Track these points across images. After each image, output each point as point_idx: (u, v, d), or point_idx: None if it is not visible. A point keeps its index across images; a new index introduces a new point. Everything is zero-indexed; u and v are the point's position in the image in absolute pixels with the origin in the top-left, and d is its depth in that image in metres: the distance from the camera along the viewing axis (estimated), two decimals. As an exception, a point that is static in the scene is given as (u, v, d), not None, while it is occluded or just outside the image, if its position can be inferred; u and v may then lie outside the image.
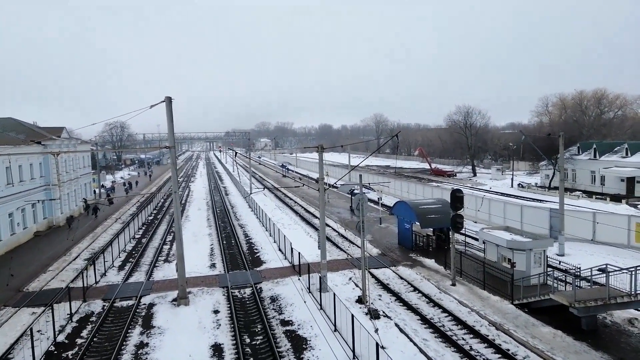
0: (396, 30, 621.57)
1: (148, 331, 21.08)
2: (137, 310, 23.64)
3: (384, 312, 22.34)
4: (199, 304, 24.23)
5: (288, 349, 18.93)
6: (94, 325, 21.81)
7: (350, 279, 27.88)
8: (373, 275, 28.00)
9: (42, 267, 31.77)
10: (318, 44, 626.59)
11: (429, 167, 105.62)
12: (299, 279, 27.66)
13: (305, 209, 56.10)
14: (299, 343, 19.43)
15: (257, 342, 19.73)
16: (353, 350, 17.66)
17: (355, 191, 48.47)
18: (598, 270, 20.84)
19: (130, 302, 24.71)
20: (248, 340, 19.91)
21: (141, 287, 27.08)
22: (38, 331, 20.37)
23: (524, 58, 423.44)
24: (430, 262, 30.48)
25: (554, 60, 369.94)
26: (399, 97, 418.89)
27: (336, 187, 58.88)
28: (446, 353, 18.27)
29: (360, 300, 23.77)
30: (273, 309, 23.46)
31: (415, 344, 18.93)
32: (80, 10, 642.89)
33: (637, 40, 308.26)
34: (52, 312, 20.53)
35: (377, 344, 15.36)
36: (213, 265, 32.22)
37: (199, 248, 36.89)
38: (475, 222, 43.70)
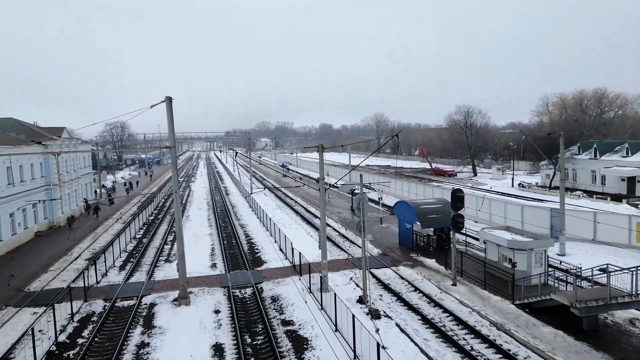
0: (396, 30, 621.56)
1: (149, 331, 21.09)
2: (138, 310, 23.66)
3: (384, 312, 22.35)
4: (200, 304, 24.25)
5: (289, 349, 18.94)
6: (95, 325, 21.84)
7: (351, 279, 27.89)
8: (374, 275, 28.00)
9: (43, 267, 31.79)
10: (318, 44, 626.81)
11: (430, 167, 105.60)
12: (299, 279, 27.67)
13: (305, 209, 56.11)
14: (300, 343, 19.44)
15: (258, 342, 19.74)
16: (354, 350, 17.66)
17: (356, 191, 48.49)
18: (599, 270, 20.84)
19: (132, 302, 24.74)
20: (249, 340, 19.92)
21: (142, 287, 27.10)
22: (39, 331, 20.37)
23: (524, 58, 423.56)
24: (431, 262, 30.48)
25: (554, 60, 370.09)
26: (399, 97, 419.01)
27: (337, 187, 58.92)
28: (447, 353, 18.28)
29: (361, 300, 23.78)
30: (274, 308, 23.47)
31: (416, 344, 18.94)
32: (80, 10, 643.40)
33: (637, 40, 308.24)
34: (54, 312, 20.55)
35: (378, 344, 15.36)
36: (214, 265, 32.24)
37: (199, 248, 36.92)
38: (476, 222, 43.69)
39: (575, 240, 34.50)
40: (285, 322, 21.68)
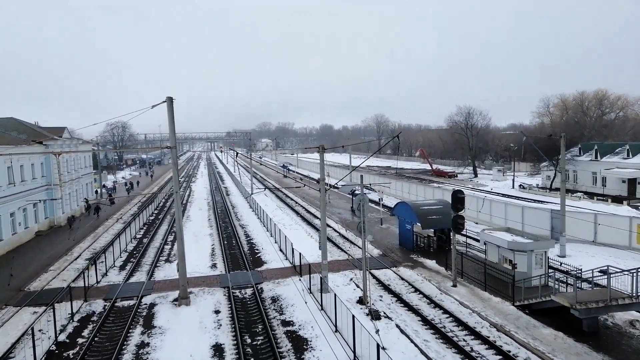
0: (396, 30, 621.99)
1: (149, 331, 21.10)
2: (138, 310, 23.67)
3: (384, 313, 22.34)
4: (200, 304, 24.25)
5: (289, 350, 18.93)
6: (95, 324, 21.84)
7: (351, 279, 27.88)
8: (374, 276, 27.99)
9: (43, 267, 31.81)
10: (318, 44, 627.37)
11: (430, 168, 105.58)
12: (300, 280, 27.67)
13: (306, 210, 56.12)
14: (300, 343, 19.44)
15: (258, 343, 19.74)
16: (354, 351, 17.65)
17: (356, 192, 48.47)
18: (599, 271, 20.84)
19: (132, 302, 24.74)
20: (249, 341, 19.92)
21: (142, 287, 27.11)
22: (39, 330, 20.38)
23: (524, 58, 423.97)
24: (431, 263, 30.47)
25: (554, 60, 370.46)
26: (399, 97, 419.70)
27: (337, 188, 58.89)
28: (447, 354, 18.27)
29: (361, 301, 23.77)
30: (274, 309, 23.47)
31: (416, 345, 18.92)
32: (80, 10, 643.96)
33: (637, 40, 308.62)
34: (54, 312, 20.56)
35: (378, 345, 15.36)
36: (214, 266, 32.24)
37: (200, 248, 36.93)
38: (477, 223, 43.67)
39: (575, 241, 34.49)
40: (285, 323, 21.68)
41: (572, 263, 28.78)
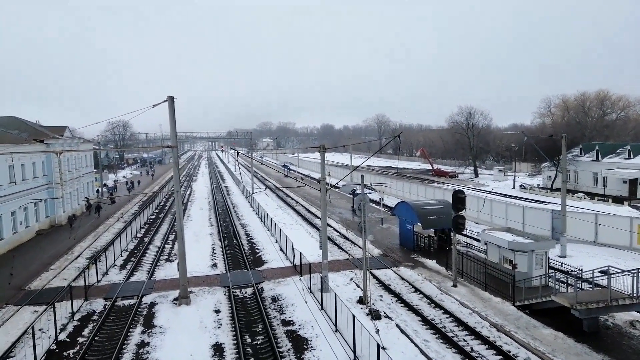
0: (396, 30, 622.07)
1: (149, 330, 21.12)
2: (139, 309, 23.68)
3: (385, 313, 22.34)
4: (200, 304, 24.27)
5: (289, 349, 18.94)
6: (95, 324, 21.86)
7: (351, 279, 27.88)
8: (374, 276, 27.99)
9: (44, 266, 31.85)
10: (318, 44, 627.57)
11: (431, 168, 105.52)
12: (300, 279, 27.67)
13: (306, 209, 56.12)
14: (300, 343, 19.45)
15: (258, 342, 19.75)
16: (354, 351, 17.65)
17: (357, 191, 48.47)
18: (600, 272, 20.83)
19: (132, 301, 24.76)
20: (249, 340, 19.93)
21: (143, 286, 27.13)
22: (40, 329, 20.41)
23: (524, 58, 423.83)
24: (431, 263, 30.46)
25: (554, 60, 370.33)
26: (399, 97, 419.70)
27: (338, 188, 58.91)
28: (447, 354, 18.26)
29: (361, 301, 23.77)
30: (274, 308, 23.47)
31: (416, 345, 18.93)
32: (80, 10, 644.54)
33: (637, 40, 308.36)
34: (54, 311, 20.58)
35: (378, 345, 15.36)
36: (214, 265, 32.26)
37: (200, 247, 36.94)
38: (477, 223, 43.64)
39: (576, 242, 34.46)
40: (286, 322, 21.68)
41: (572, 263, 28.75)
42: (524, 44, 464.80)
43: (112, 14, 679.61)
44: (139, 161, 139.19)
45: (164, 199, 67.23)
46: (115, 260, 33.44)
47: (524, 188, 73.87)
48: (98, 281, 28.43)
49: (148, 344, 19.77)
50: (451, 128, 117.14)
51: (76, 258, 34.34)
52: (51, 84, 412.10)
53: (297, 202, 62.28)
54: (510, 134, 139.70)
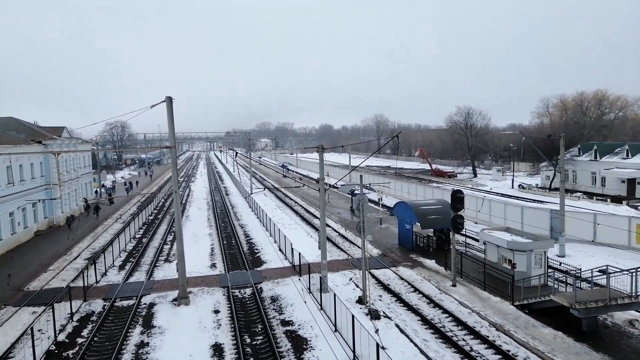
0: (396, 30, 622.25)
1: (148, 331, 21.09)
2: (138, 309, 23.65)
3: (384, 313, 22.34)
4: (199, 304, 24.24)
5: (288, 349, 18.93)
6: (94, 324, 21.83)
7: (350, 279, 27.88)
8: (373, 276, 27.99)
9: (42, 267, 31.79)
10: (318, 44, 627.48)
11: (430, 168, 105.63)
12: (299, 279, 27.67)
13: (305, 209, 56.11)
14: (300, 343, 19.44)
15: (258, 342, 19.73)
16: (353, 351, 17.65)
17: (356, 192, 48.47)
18: (599, 271, 20.85)
19: (131, 302, 24.73)
20: (248, 340, 19.92)
21: (142, 286, 27.09)
22: (39, 330, 20.39)
23: (524, 58, 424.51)
24: (430, 262, 30.47)
25: (554, 60, 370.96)
26: (399, 97, 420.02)
27: (337, 188, 58.88)
28: (446, 354, 18.27)
29: (360, 301, 23.78)
30: (273, 309, 23.46)
31: (415, 345, 18.93)
32: (80, 10, 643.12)
33: (637, 40, 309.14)
34: (53, 312, 20.54)
35: (377, 345, 15.36)
36: (213, 265, 32.23)
37: (199, 248, 36.90)
38: (476, 223, 43.70)
39: (575, 241, 34.52)
40: (285, 322, 21.68)
41: (571, 263, 28.82)
42: (524, 44, 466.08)
43: (112, 14, 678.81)
44: (137, 162, 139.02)
45: (163, 200, 67.18)
46: (114, 261, 33.40)
47: (523, 188, 73.98)
48: (97, 282, 28.39)
49: (147, 344, 19.75)
50: (450, 128, 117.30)
51: (75, 259, 34.28)
52: (51, 84, 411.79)
53: (296, 202, 62.27)
54: (509, 134, 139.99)
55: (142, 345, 19.68)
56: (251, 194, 63.58)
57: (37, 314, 22.73)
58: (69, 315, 22.63)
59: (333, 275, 27.92)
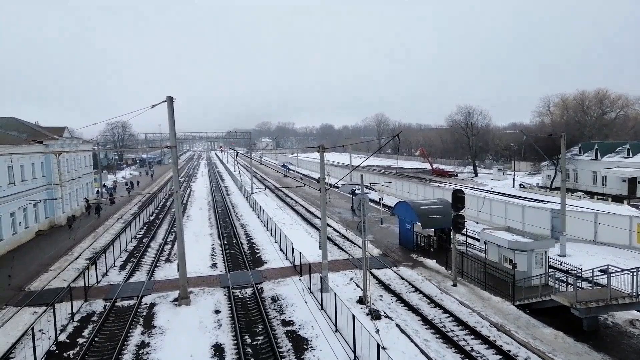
0: (396, 30, 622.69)
1: (149, 331, 21.10)
2: (139, 310, 23.67)
3: (385, 313, 22.34)
4: (200, 304, 24.26)
5: (289, 349, 18.93)
6: (95, 324, 21.84)
7: (351, 279, 27.88)
8: (374, 276, 27.99)
9: (43, 267, 31.82)
10: (318, 44, 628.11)
11: (430, 168, 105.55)
12: (300, 279, 27.67)
13: (306, 209, 56.11)
14: (300, 343, 19.44)
15: (258, 342, 19.74)
16: (354, 351, 17.65)
17: (357, 191, 48.47)
18: (599, 271, 20.82)
19: (132, 302, 24.74)
20: (249, 341, 19.92)
21: (142, 287, 27.11)
22: (39, 330, 20.40)
23: (524, 58, 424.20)
24: (431, 262, 30.46)
25: (554, 60, 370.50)
26: (399, 97, 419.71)
27: (337, 187, 58.92)
28: (447, 354, 18.27)
29: (361, 301, 23.77)
30: (274, 309, 23.47)
31: (416, 345, 18.93)
32: (80, 10, 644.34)
33: (637, 40, 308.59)
34: (54, 312, 20.56)
35: (378, 345, 15.36)
36: (214, 265, 32.24)
37: (200, 248, 36.92)
38: (477, 223, 43.66)
39: (576, 241, 34.47)
40: (286, 323, 21.68)
41: (572, 262, 28.78)
42: (524, 44, 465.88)
43: (112, 14, 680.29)
44: (138, 162, 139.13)
45: (164, 200, 67.20)
46: (114, 261, 33.42)
47: (524, 187, 73.90)
48: (98, 282, 28.41)
49: (148, 344, 19.76)
50: (450, 127, 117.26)
51: (76, 259, 34.31)
52: (51, 84, 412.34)
53: (297, 202, 62.28)
54: (510, 133, 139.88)
55: (142, 345, 19.69)
56: (252, 193, 63.58)
57: (38, 314, 22.74)
58: (70, 315, 22.65)
59: (334, 275, 27.92)
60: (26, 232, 41.18)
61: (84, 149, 59.80)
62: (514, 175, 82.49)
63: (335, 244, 36.77)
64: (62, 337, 20.50)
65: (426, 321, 21.36)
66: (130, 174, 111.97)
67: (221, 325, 21.62)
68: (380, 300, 24.32)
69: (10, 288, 27.03)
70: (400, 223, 36.57)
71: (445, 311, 22.42)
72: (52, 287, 27.62)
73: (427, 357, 17.92)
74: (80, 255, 35.49)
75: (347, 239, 38.69)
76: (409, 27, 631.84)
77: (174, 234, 40.60)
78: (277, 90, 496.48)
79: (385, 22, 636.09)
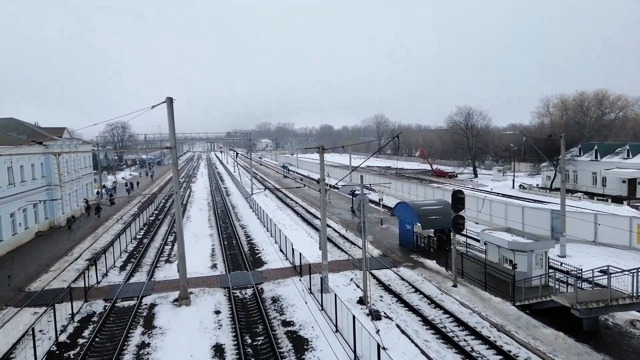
0: (396, 30, 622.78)
1: (149, 331, 21.10)
2: (139, 310, 23.66)
3: (385, 313, 22.34)
4: (200, 305, 24.25)
5: (289, 350, 18.93)
6: (95, 325, 21.84)
7: (351, 279, 27.88)
8: (374, 276, 27.99)
9: (43, 267, 31.81)
10: (318, 44, 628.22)
11: (430, 168, 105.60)
12: (300, 280, 27.67)
13: (306, 210, 56.12)
14: (300, 344, 19.44)
15: (259, 343, 19.74)
16: (354, 351, 17.65)
17: (356, 192, 48.47)
18: (600, 271, 20.84)
19: (132, 303, 24.74)
20: (249, 341, 19.92)
21: (142, 287, 27.10)
22: (40, 331, 20.39)
23: (524, 58, 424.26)
24: (431, 263, 30.47)
25: (554, 60, 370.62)
26: (399, 97, 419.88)
27: (337, 188, 58.82)
28: (447, 354, 18.27)
29: (361, 301, 23.78)
30: (274, 309, 23.47)
31: (416, 345, 18.93)
32: (80, 10, 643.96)
33: (637, 40, 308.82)
34: (54, 312, 20.55)
35: (378, 345, 15.36)
36: (214, 266, 32.24)
37: (200, 248, 36.92)
38: (477, 223, 43.67)
39: (576, 241, 34.49)
40: (286, 323, 21.68)
41: (572, 263, 28.77)
42: (524, 44, 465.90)
43: (112, 14, 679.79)
44: (138, 162, 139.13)
45: (163, 200, 67.20)
46: (115, 262, 33.41)
47: (523, 188, 73.94)
48: (98, 282, 28.41)
49: (148, 345, 19.76)
50: (450, 128, 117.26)
51: (76, 259, 34.30)
52: (51, 84, 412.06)
53: (297, 203, 62.29)
54: (509, 134, 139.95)
55: (143, 345, 19.68)
56: (252, 194, 63.59)
57: (39, 315, 22.73)
58: (70, 316, 22.65)
59: (334, 275, 27.92)
60: (26, 233, 41.17)
61: (84, 150, 59.77)
62: (513, 176, 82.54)
63: (336, 245, 36.77)
64: (63, 338, 20.49)
65: (426, 322, 21.36)
66: (130, 174, 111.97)
67: (221, 325, 21.62)
68: (381, 300, 24.33)
69: (10, 289, 27.03)
70: (400, 224, 36.58)
71: (446, 312, 22.43)
72: (52, 287, 27.62)
73: (428, 357, 17.92)
74: (80, 255, 35.48)
75: (347, 239, 38.70)
76: (409, 27, 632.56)
77: (174, 234, 40.60)
78: (277, 90, 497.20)
79: (385, 22, 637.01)
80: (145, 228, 47.02)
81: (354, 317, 18.06)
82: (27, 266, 32.10)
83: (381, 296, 25.03)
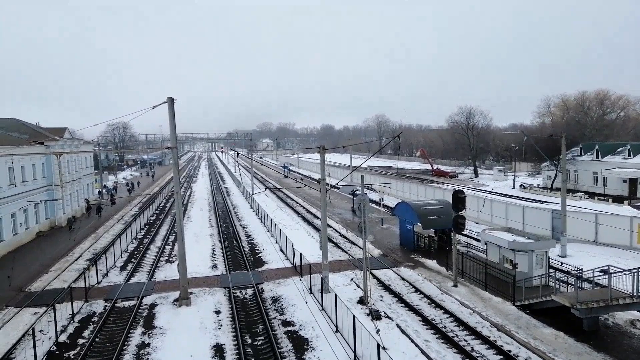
0: (396, 30, 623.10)
1: (150, 331, 21.11)
2: (139, 310, 23.68)
3: (385, 313, 22.33)
4: (200, 305, 24.26)
5: (289, 350, 18.93)
6: (95, 325, 21.86)
7: (351, 279, 27.88)
8: (375, 276, 27.98)
9: (44, 267, 31.84)
10: (318, 44, 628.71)
11: (431, 168, 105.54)
12: (300, 280, 27.67)
13: (306, 210, 56.12)
14: (301, 344, 19.44)
15: (259, 343, 19.74)
16: (354, 351, 17.65)
17: (357, 192, 48.45)
18: (600, 271, 20.84)
19: (132, 303, 24.75)
20: (249, 341, 19.93)
21: (143, 287, 27.12)
22: (40, 331, 20.40)
23: (524, 58, 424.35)
24: (431, 263, 30.45)
25: (554, 60, 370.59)
26: (399, 97, 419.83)
27: (338, 188, 58.79)
28: (448, 354, 18.26)
29: (361, 301, 23.77)
30: (274, 309, 23.47)
31: (416, 345, 18.92)
32: (80, 10, 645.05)
33: (637, 40, 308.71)
34: (54, 312, 20.56)
35: (378, 345, 15.35)
36: (215, 266, 32.25)
37: (200, 249, 36.93)
38: (477, 223, 43.64)
39: (576, 241, 34.46)
40: (286, 323, 21.68)
41: (572, 263, 28.78)
42: (524, 44, 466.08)
43: (112, 14, 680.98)
44: (138, 162, 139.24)
45: (164, 200, 67.24)
46: (115, 262, 33.43)
47: (524, 188, 73.87)
48: (98, 282, 28.43)
49: (148, 345, 19.77)
50: (451, 128, 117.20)
51: (76, 259, 34.32)
52: (51, 84, 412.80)
53: (297, 203, 62.29)
54: (510, 134, 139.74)
55: (143, 345, 19.70)
56: (252, 194, 63.61)
57: (39, 315, 22.75)
58: (70, 316, 22.66)
59: (334, 275, 27.91)
60: (27, 233, 41.21)
61: (85, 150, 59.84)
62: (514, 175, 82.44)
63: (336, 245, 36.77)
64: (63, 338, 20.51)
65: (427, 321, 21.36)
66: (131, 174, 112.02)
67: (222, 325, 21.62)
68: (381, 300, 24.32)
69: (10, 289, 27.06)
70: (400, 223, 36.57)
71: (446, 311, 22.42)
72: (53, 287, 27.64)
73: (428, 357, 17.91)
74: (80, 256, 35.51)
75: (348, 239, 38.69)
76: (409, 27, 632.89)
77: (174, 234, 40.62)
78: (277, 90, 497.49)
79: (385, 22, 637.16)
80: (145, 228, 47.04)
81: (354, 317, 18.05)
82: (28, 266, 32.13)
83: (381, 296, 25.02)
